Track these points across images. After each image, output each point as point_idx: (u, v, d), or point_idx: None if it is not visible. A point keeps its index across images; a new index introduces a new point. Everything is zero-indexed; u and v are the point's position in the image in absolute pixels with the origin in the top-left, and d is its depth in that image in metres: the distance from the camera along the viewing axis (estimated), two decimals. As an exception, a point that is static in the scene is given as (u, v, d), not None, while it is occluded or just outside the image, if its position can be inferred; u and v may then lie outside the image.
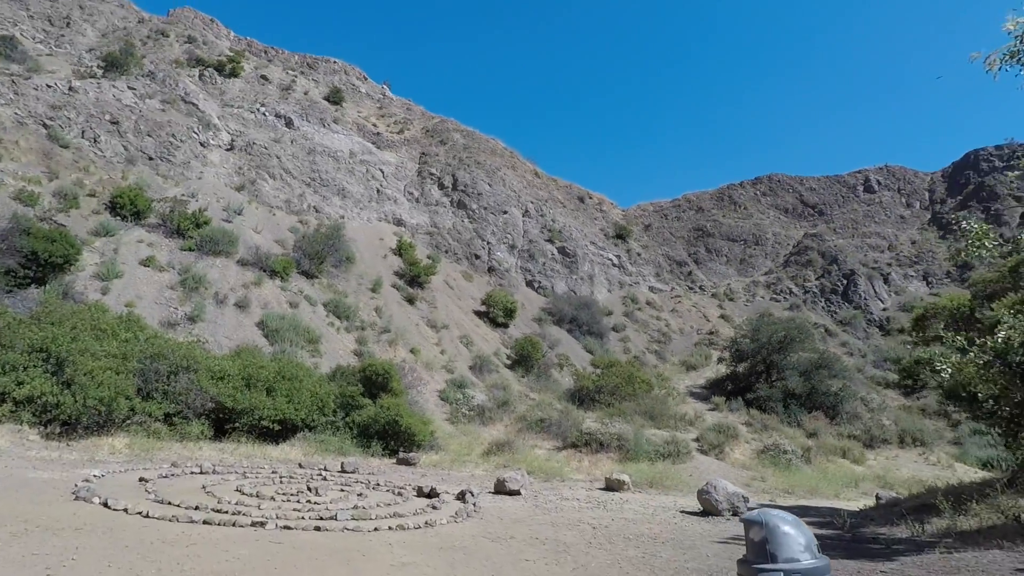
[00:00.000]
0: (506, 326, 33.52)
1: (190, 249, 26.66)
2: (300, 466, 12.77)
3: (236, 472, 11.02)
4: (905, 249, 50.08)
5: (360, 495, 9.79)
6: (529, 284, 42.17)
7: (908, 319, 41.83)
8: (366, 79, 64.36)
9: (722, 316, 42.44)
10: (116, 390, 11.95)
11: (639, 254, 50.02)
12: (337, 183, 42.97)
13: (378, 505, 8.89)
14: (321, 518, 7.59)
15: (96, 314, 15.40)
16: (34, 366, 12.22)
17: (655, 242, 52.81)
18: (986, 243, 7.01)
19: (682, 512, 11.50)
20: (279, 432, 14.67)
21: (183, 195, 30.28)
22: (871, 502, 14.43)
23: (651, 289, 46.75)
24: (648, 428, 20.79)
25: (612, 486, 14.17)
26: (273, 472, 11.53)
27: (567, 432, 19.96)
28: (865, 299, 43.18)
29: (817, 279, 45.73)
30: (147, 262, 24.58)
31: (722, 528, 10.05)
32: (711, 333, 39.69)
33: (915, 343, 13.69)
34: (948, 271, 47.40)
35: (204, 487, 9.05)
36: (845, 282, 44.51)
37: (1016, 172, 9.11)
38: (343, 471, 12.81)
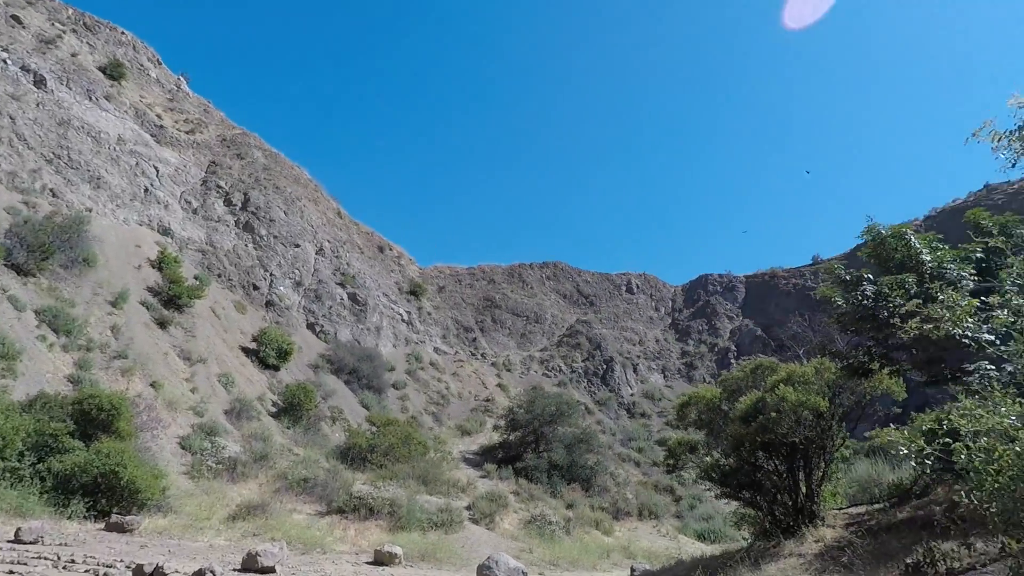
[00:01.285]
0: (277, 368, 29.94)
1: None
2: (-55, 532, 8.93)
3: None
4: (651, 346, 58.06)
5: (41, 580, 6.98)
6: (310, 327, 38.88)
7: (649, 405, 48.05)
8: (160, 64, 55.89)
9: (499, 385, 43.80)
10: None
11: (430, 313, 49.90)
12: (92, 168, 35.58)
13: (70, 597, 6.34)
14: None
15: None
16: None
17: (446, 304, 53.35)
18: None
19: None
20: (-81, 480, 10.27)
21: None
22: (626, 573, 15.11)
23: (436, 350, 46.58)
24: (421, 494, 19.64)
25: (382, 559, 12.67)
26: None
27: (333, 495, 17.85)
28: (619, 384, 48.50)
29: (583, 361, 50.25)
30: None
31: (503, 614, 9.34)
32: (488, 400, 40.50)
33: (676, 426, 15.13)
34: (679, 368, 55.99)
35: None
36: (605, 367, 49.61)
37: (825, 283, 10.41)
38: (18, 541, 9.29)
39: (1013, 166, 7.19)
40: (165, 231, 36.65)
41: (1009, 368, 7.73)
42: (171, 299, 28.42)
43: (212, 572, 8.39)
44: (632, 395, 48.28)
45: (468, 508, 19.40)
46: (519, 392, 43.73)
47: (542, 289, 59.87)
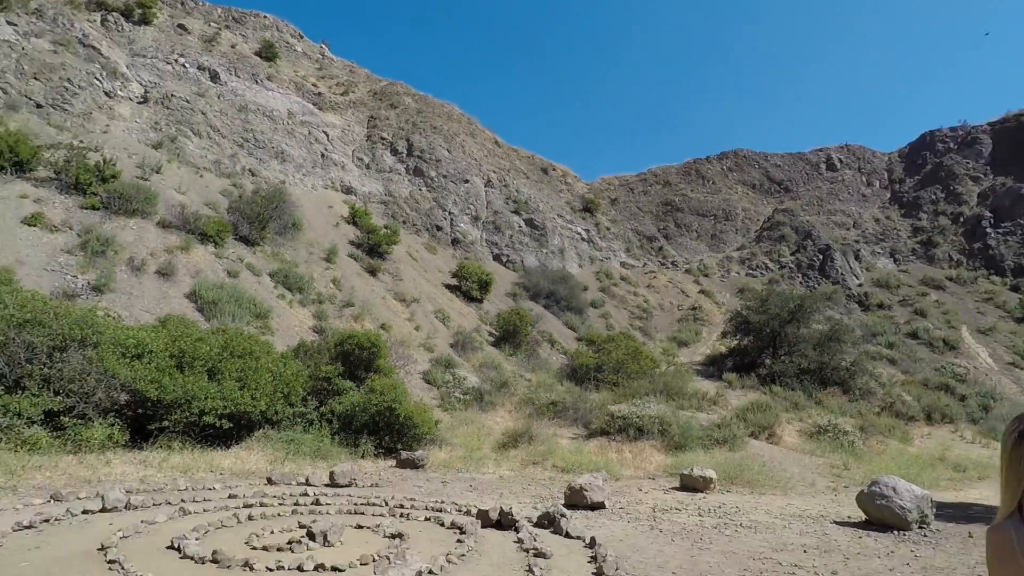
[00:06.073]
0: (481, 301, 29.51)
1: (94, 207, 21.13)
2: (270, 481, 8.43)
3: (168, 502, 6.62)
4: (870, 227, 49.58)
5: (395, 537, 5.71)
6: (497, 258, 38.25)
7: (885, 294, 41.04)
8: (302, 37, 57.67)
9: (702, 291, 40.07)
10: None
11: (608, 228, 47.05)
12: (275, 145, 37.37)
13: (449, 560, 4.87)
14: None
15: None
16: None
17: (623, 216, 50.01)
18: None
19: (840, 524, 8.09)
20: (229, 431, 10.19)
21: (82, 143, 24.33)
22: (989, 491, 11.67)
23: (623, 264, 43.90)
24: (674, 410, 17.49)
25: (693, 485, 10.68)
26: (230, 496, 7.18)
27: (587, 417, 16.42)
28: (842, 274, 41.96)
29: (792, 254, 44.23)
30: (32, 220, 18.94)
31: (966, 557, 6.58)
32: (694, 308, 37.18)
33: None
34: (913, 248, 47.15)
35: (103, 549, 4.72)
36: (821, 257, 43.16)
37: None
38: (334, 484, 8.59)
39: None
40: (348, 190, 37.74)
41: None
42: (372, 249, 28.92)
43: (562, 515, 6.77)
44: (860, 285, 41.56)
45: (739, 421, 16.84)
46: (727, 296, 39.79)
47: (725, 182, 53.62)
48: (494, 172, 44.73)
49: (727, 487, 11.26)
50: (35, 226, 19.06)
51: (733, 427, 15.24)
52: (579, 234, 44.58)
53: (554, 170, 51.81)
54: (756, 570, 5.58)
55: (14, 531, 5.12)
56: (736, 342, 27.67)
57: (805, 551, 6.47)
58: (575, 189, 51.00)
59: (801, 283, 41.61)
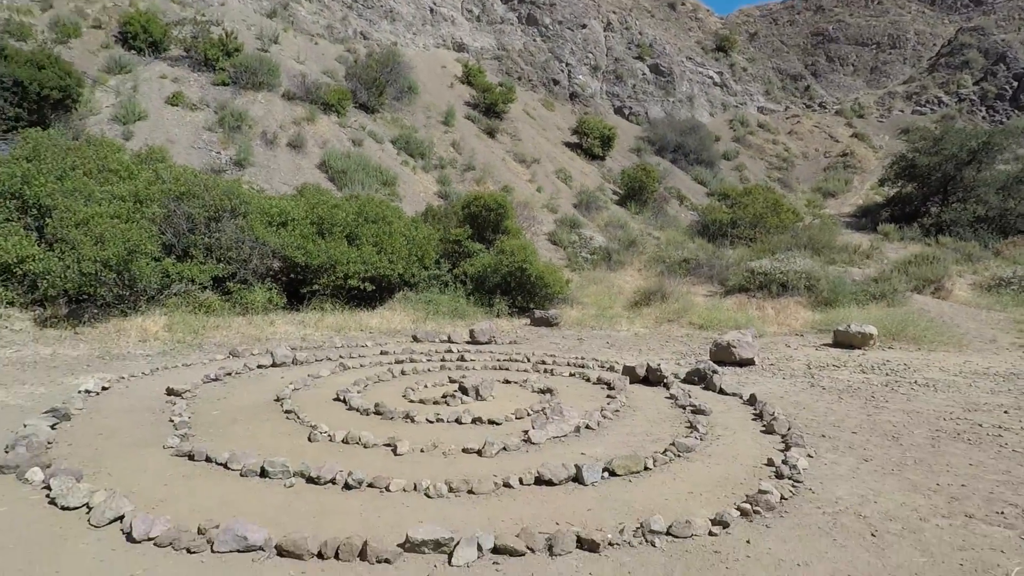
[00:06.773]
0: (603, 158, 28.06)
1: (224, 83, 21.88)
2: (415, 339, 8.85)
3: (329, 358, 7.13)
4: (1091, 35, 39.28)
5: (544, 392, 5.68)
6: (619, 111, 35.66)
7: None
8: None
9: (855, 135, 35.07)
10: (127, 246, 7.96)
11: (744, 69, 41.59)
12: (383, 4, 35.91)
13: (604, 415, 4.74)
14: (544, 481, 3.43)
15: (104, 151, 11.15)
16: (7, 220, 8.31)
17: (763, 54, 43.77)
18: None
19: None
20: (372, 293, 10.76)
21: (204, 16, 24.79)
22: None
23: (761, 110, 39.20)
24: (823, 265, 15.98)
25: (849, 341, 9.81)
26: (382, 353, 7.59)
27: (722, 274, 15.52)
28: (1043, 101, 34.39)
29: (976, 83, 36.70)
30: (174, 100, 20.06)
31: None
32: (844, 155, 32.86)
33: None
34: None
35: (279, 400, 5.09)
36: (1015, 84, 35.43)
37: None
38: (475, 342, 8.84)
39: None
40: (460, 47, 36.06)
41: None
42: (488, 109, 27.96)
43: (712, 370, 6.39)
44: (1068, 112, 33.97)
45: (900, 274, 15.07)
46: (886, 139, 34.65)
47: (895, 1, 44.39)
48: (614, 13, 40.32)
49: (888, 343, 10.24)
50: (177, 106, 20.22)
51: (893, 281, 13.68)
52: (711, 78, 39.96)
53: (683, 5, 45.69)
54: (951, 431, 4.92)
55: (204, 383, 5.73)
56: (896, 190, 24.26)
57: (1006, 412, 5.64)
58: (707, 25, 44.94)
59: (984, 118, 34.87)
